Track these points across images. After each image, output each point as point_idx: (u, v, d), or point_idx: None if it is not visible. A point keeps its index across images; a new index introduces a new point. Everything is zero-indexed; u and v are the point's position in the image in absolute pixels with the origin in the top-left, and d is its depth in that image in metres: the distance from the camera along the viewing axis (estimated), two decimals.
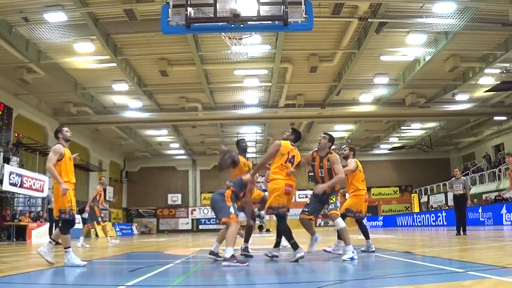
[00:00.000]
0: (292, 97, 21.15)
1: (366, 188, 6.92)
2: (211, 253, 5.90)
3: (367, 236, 6.73)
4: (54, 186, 5.70)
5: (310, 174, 28.19)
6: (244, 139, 6.80)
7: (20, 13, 12.46)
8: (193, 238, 19.41)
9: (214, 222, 34.82)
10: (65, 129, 5.98)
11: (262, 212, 6.93)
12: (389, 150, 32.94)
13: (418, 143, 30.74)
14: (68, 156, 5.79)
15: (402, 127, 27.10)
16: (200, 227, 34.76)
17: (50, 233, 13.14)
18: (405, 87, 19.58)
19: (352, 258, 5.28)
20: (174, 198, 35.35)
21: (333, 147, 5.98)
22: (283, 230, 5.74)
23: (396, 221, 28.74)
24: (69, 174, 5.72)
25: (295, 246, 5.38)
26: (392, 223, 29.00)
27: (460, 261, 4.91)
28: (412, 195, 33.84)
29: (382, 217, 32.29)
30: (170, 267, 5.41)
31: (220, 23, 6.64)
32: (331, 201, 5.63)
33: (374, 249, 6.62)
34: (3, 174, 15.90)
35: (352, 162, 6.86)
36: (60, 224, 5.86)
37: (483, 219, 18.81)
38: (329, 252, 6.42)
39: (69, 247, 5.55)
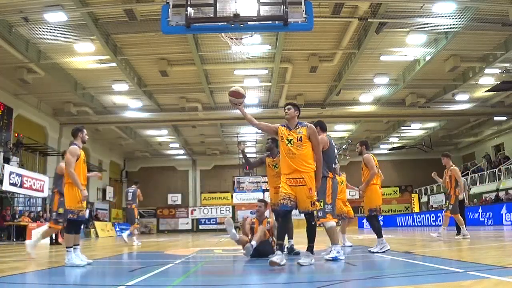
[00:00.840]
0: (292, 97, 21.14)
1: (380, 183, 6.86)
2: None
3: (379, 235, 6.69)
4: (65, 186, 5.74)
5: None
6: (268, 141, 7.03)
7: (20, 13, 12.46)
8: (193, 238, 19.41)
9: (214, 222, 34.88)
10: (85, 131, 6.02)
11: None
12: (389, 150, 32.94)
13: (418, 143, 30.75)
14: (83, 158, 5.85)
15: (402, 127, 27.10)
16: (200, 227, 34.77)
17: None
18: (405, 87, 19.59)
19: (336, 258, 5.29)
20: (174, 198, 35.36)
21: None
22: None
23: (396, 221, 28.73)
24: (81, 176, 5.76)
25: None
26: (392, 223, 28.98)
27: (460, 261, 4.91)
28: (412, 195, 33.84)
29: (382, 217, 32.27)
30: (170, 267, 5.41)
31: (220, 23, 6.65)
32: (319, 207, 5.29)
33: (388, 248, 6.44)
34: (3, 174, 15.89)
35: (370, 160, 6.73)
36: (65, 223, 5.87)
37: (483, 219, 18.80)
38: (375, 252, 6.37)
39: (71, 246, 5.56)
